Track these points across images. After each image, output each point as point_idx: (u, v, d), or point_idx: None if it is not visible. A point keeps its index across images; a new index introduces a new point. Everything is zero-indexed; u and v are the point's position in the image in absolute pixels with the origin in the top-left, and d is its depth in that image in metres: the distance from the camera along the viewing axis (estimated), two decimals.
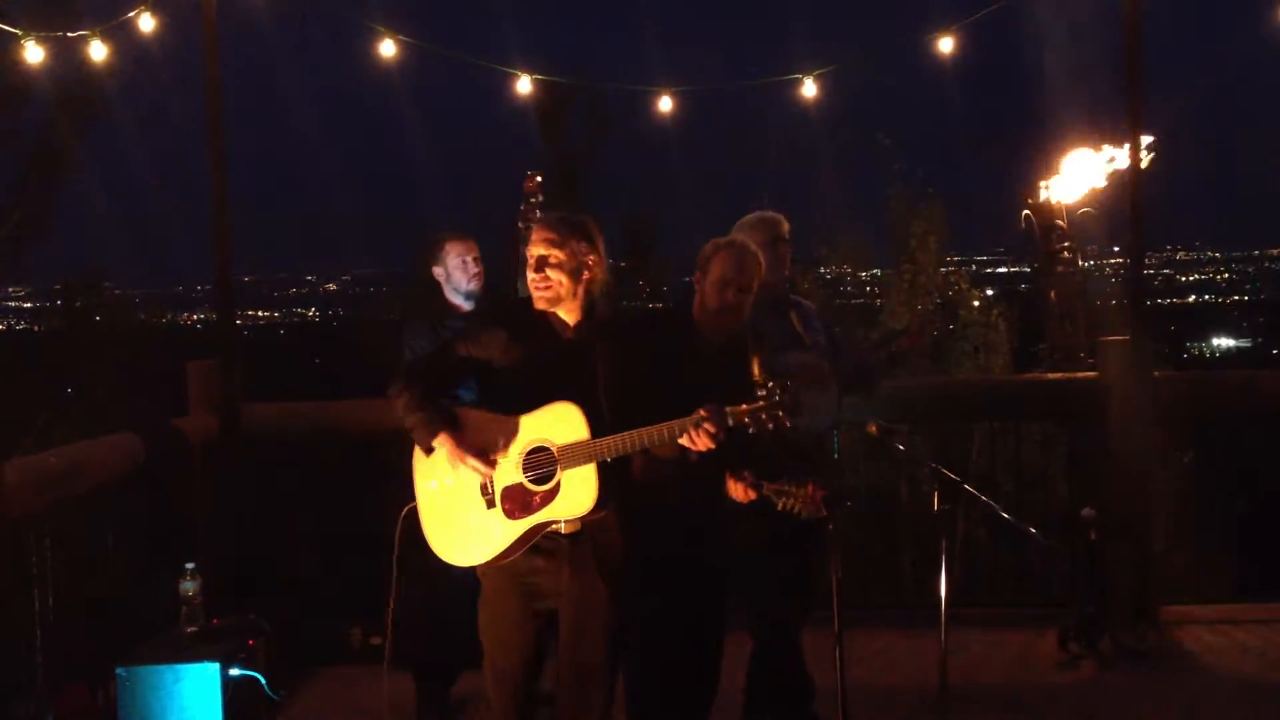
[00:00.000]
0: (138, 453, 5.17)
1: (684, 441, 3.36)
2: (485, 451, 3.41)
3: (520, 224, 4.54)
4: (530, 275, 3.49)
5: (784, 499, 3.45)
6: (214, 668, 4.33)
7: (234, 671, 4.42)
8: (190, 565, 4.66)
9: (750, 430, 3.35)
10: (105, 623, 4.96)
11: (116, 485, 5.07)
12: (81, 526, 4.91)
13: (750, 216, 4.46)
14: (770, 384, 3.35)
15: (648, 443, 3.35)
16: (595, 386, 3.45)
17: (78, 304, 18.69)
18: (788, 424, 3.35)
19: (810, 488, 3.43)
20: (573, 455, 3.37)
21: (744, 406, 3.34)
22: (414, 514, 3.58)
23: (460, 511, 3.48)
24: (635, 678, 3.81)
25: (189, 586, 4.61)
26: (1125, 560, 5.68)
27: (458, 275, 4.80)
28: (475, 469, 3.41)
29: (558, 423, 3.40)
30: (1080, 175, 4.47)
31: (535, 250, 3.49)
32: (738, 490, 3.55)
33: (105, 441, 5.29)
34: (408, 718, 4.66)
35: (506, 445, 3.43)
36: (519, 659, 3.53)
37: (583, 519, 3.43)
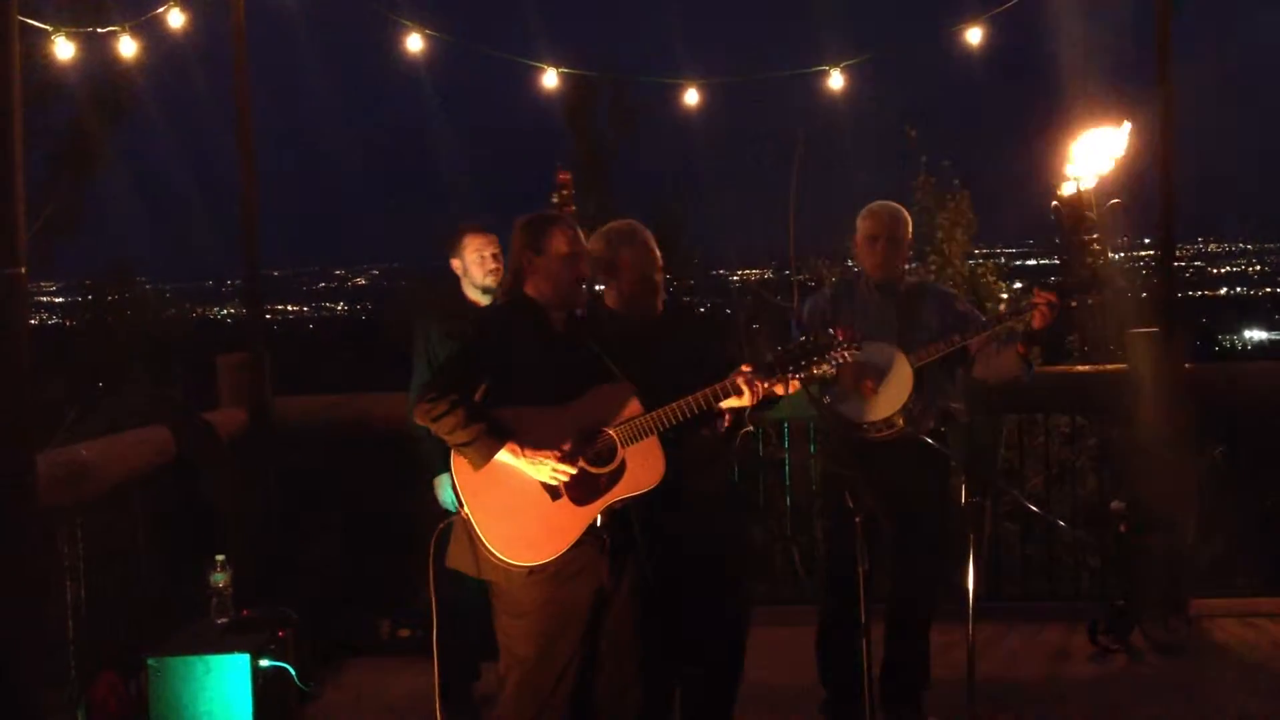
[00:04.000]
0: (168, 446, 5.20)
1: (733, 398, 3.55)
2: (548, 447, 3.45)
3: None
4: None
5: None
6: (244, 659, 4.35)
7: (264, 662, 4.44)
8: (220, 557, 4.70)
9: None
10: (136, 614, 4.99)
11: (147, 478, 5.10)
12: (112, 518, 4.94)
13: (866, 207, 4.54)
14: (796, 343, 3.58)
15: (697, 408, 3.54)
16: (609, 371, 3.60)
17: (108, 298, 18.82)
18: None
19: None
20: (634, 432, 3.52)
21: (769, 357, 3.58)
22: (448, 529, 3.64)
23: (526, 510, 3.48)
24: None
25: (219, 578, 4.64)
26: (1155, 553, 5.64)
27: (475, 269, 4.79)
28: (555, 467, 3.43)
29: (608, 405, 3.55)
30: (1093, 160, 4.43)
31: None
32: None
33: (136, 434, 5.32)
34: (433, 712, 4.66)
35: (562, 436, 3.48)
36: (558, 670, 3.56)
37: (649, 492, 3.55)
